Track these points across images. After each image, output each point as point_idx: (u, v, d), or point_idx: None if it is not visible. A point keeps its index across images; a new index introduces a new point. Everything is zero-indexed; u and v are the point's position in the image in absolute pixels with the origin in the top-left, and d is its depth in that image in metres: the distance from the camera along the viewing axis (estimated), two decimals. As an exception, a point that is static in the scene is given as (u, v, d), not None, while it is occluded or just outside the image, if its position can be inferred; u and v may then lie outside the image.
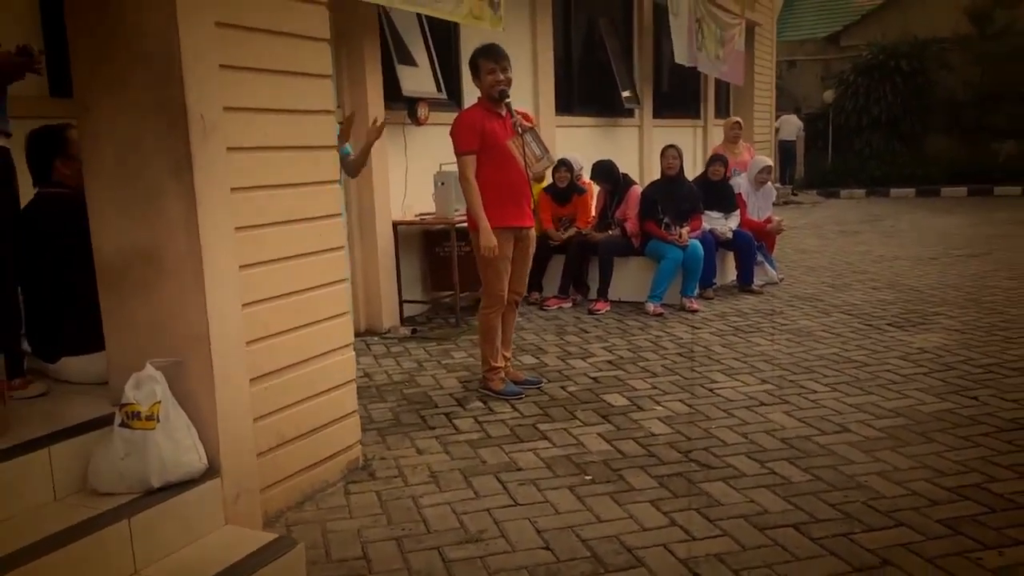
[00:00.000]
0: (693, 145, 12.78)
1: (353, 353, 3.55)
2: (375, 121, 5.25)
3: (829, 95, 19.24)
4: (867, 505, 3.06)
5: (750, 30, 13.86)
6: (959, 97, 18.09)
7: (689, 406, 4.27)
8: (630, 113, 10.66)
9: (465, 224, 6.31)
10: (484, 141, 4.33)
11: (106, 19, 2.63)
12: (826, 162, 19.12)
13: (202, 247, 2.63)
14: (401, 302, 6.39)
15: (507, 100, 4.33)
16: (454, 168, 6.39)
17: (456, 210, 6.34)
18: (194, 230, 2.62)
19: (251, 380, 2.89)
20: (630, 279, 6.83)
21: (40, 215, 3.14)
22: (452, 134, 4.40)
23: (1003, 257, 8.70)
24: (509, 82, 4.33)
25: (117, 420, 2.59)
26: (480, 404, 4.44)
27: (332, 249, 3.33)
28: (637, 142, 10.86)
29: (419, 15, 6.59)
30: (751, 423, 3.98)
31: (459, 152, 4.38)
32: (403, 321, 6.40)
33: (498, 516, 3.10)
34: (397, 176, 6.43)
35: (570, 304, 6.88)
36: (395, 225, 6.31)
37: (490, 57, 4.32)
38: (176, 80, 2.54)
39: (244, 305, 2.83)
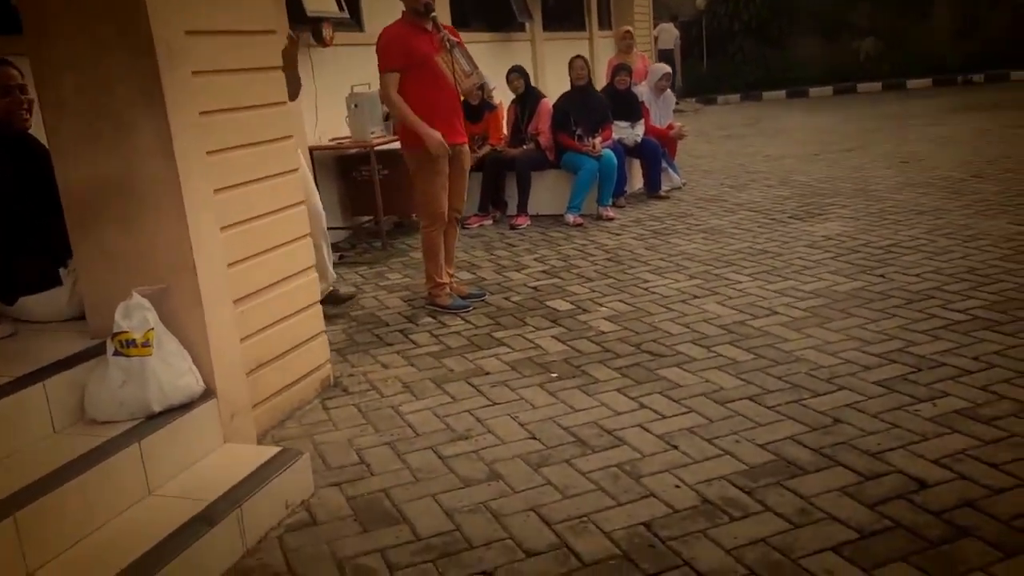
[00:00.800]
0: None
1: (316, 275, 3.59)
2: (290, 36, 4.76)
3: (701, 2, 19.66)
4: (809, 375, 3.39)
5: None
6: (821, -1, 18.86)
7: (629, 305, 4.52)
8: (521, 28, 10.67)
9: (383, 147, 6.37)
10: (411, 58, 4.32)
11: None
12: (702, 69, 19.66)
13: (179, 173, 2.61)
14: (324, 228, 6.35)
15: (433, 15, 4.32)
16: (366, 90, 6.39)
17: (372, 132, 6.31)
18: (170, 156, 2.59)
19: (234, 302, 2.91)
20: (547, 192, 7.00)
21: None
22: (377, 51, 4.37)
23: (878, 150, 9.33)
24: None
25: (110, 350, 2.59)
26: (431, 319, 4.56)
27: (290, 171, 3.33)
28: (530, 56, 10.90)
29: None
30: (689, 315, 4.27)
31: (383, 69, 4.36)
32: (327, 247, 6.37)
33: (480, 415, 3.28)
34: (307, 101, 6.30)
35: (490, 221, 7.01)
36: (310, 151, 6.22)
37: None
38: (140, 6, 2.48)
39: (221, 229, 2.84)
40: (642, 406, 3.24)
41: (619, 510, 2.52)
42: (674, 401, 3.25)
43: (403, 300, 4.98)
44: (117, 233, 2.72)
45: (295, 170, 3.39)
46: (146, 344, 2.57)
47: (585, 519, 2.48)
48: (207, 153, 2.75)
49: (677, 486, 2.63)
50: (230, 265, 2.89)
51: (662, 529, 2.40)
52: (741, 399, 3.22)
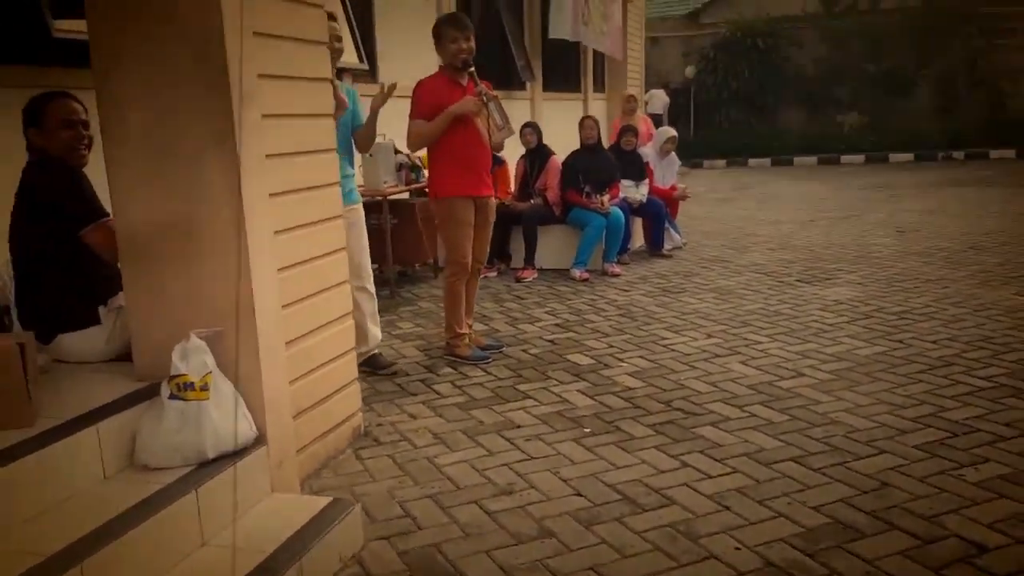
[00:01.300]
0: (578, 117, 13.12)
1: (352, 322, 3.56)
2: (383, 87, 4.43)
3: (691, 71, 20.19)
4: (847, 438, 3.39)
5: (623, 6, 14.31)
6: (808, 72, 19.44)
7: (651, 361, 4.52)
8: (523, 86, 10.84)
9: (395, 196, 6.39)
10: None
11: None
12: (689, 134, 20.06)
13: (245, 214, 2.59)
14: (334, 276, 6.32)
15: (471, 69, 4.38)
16: (381, 140, 6.42)
17: (385, 182, 6.33)
18: (237, 197, 2.57)
19: (286, 344, 2.88)
20: (553, 247, 7.04)
21: (30, 185, 2.97)
22: (412, 99, 4.43)
23: (871, 218, 9.52)
24: (472, 51, 4.37)
25: (166, 392, 2.53)
26: (451, 369, 4.52)
27: (334, 217, 3.32)
28: (530, 114, 11.04)
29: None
30: (715, 373, 4.28)
31: (413, 116, 4.42)
32: (337, 295, 6.33)
33: (519, 469, 3.23)
34: (323, 148, 6.32)
35: (495, 273, 7.02)
36: (325, 198, 6.22)
37: (455, 25, 4.36)
38: (218, 46, 2.48)
39: (278, 271, 2.81)
40: (684, 464, 3.21)
41: (681, 571, 2.48)
42: (716, 461, 3.23)
43: (419, 350, 4.94)
44: (174, 273, 2.68)
45: (339, 216, 3.38)
46: (204, 388, 2.52)
47: (649, 580, 2.43)
48: (270, 195, 2.74)
49: (737, 548, 2.59)
50: (284, 307, 2.85)
51: (730, 591, 2.36)
52: (785, 460, 3.20)
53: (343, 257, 3.41)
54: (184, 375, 2.51)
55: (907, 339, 4.69)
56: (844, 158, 17.90)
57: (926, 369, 4.17)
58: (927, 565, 2.44)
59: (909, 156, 17.46)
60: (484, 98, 4.35)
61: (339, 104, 4.03)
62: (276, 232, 2.81)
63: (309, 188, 3.08)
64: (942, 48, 17.98)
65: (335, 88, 4.05)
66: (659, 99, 18.30)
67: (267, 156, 2.72)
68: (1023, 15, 17.95)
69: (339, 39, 4.13)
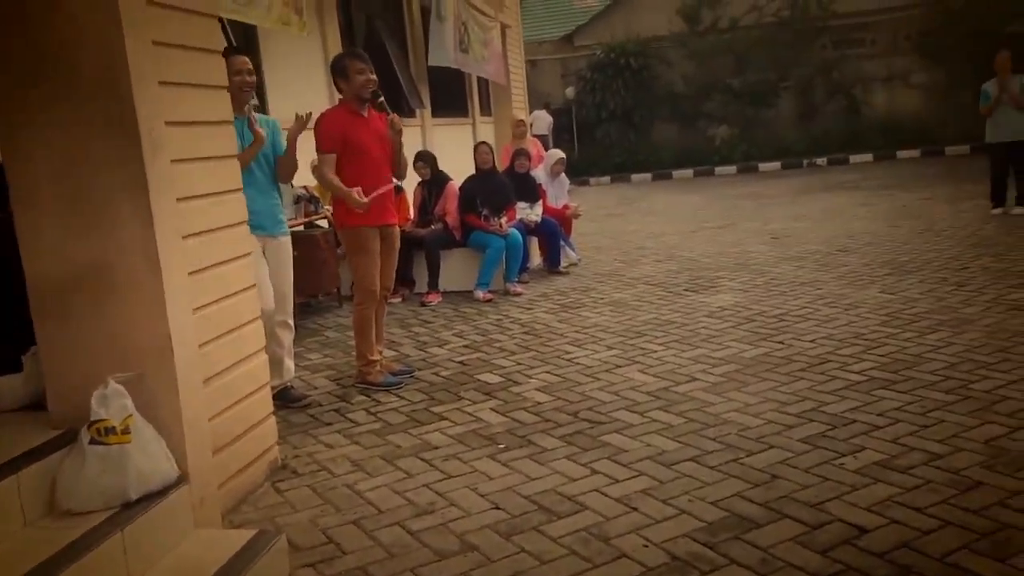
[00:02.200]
0: (470, 142, 13.33)
1: (266, 356, 3.61)
2: (297, 117, 4.49)
3: (570, 91, 20.80)
4: (739, 436, 3.67)
5: (502, 32, 14.66)
6: (679, 89, 20.34)
7: (557, 375, 4.73)
8: (412, 114, 10.97)
9: (294, 229, 6.40)
10: (347, 145, 4.48)
11: (34, 37, 2.55)
12: (573, 153, 20.62)
13: (160, 258, 2.64)
14: (234, 310, 6.28)
15: (380, 99, 4.54)
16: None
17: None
18: (151, 242, 2.62)
19: (204, 382, 2.92)
20: (456, 270, 7.20)
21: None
22: (315, 133, 4.52)
23: (746, 227, 10.10)
24: (377, 83, 4.53)
25: (86, 438, 2.54)
26: (364, 397, 4.60)
27: (245, 255, 3.38)
28: (421, 141, 11.19)
29: (223, 24, 6.47)
30: (616, 383, 4.52)
31: (320, 151, 4.52)
32: (238, 329, 6.29)
33: (439, 489, 3.36)
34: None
35: (399, 299, 7.11)
36: (221, 232, 6.19)
37: (359, 58, 4.50)
38: (125, 96, 2.54)
39: (194, 311, 2.86)
40: (594, 471, 3.41)
41: (596, 571, 2.66)
42: (623, 465, 3.45)
43: (330, 380, 5.00)
44: (88, 320, 2.70)
45: (249, 253, 3.44)
46: (126, 431, 2.55)
47: (570, 581, 2.61)
48: (183, 238, 2.79)
49: (645, 545, 2.80)
50: (201, 346, 2.90)
51: (644, 585, 2.56)
52: (684, 460, 3.45)
53: (254, 294, 3.47)
54: (105, 420, 2.53)
55: (787, 340, 5.07)
56: (718, 169, 18.82)
57: (806, 367, 4.53)
58: (814, 549, 2.70)
59: (777, 165, 18.51)
60: (396, 128, 4.54)
61: (256, 139, 4.11)
62: (190, 273, 2.86)
63: (220, 228, 3.14)
64: (798, 60, 19.16)
65: (252, 122, 4.13)
66: (543, 120, 18.76)
67: (178, 200, 2.77)
68: (870, 26, 19.37)
69: (251, 72, 4.20)
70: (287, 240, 4.47)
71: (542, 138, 18.39)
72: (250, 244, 3.42)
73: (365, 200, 4.39)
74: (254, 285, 3.45)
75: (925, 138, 18.01)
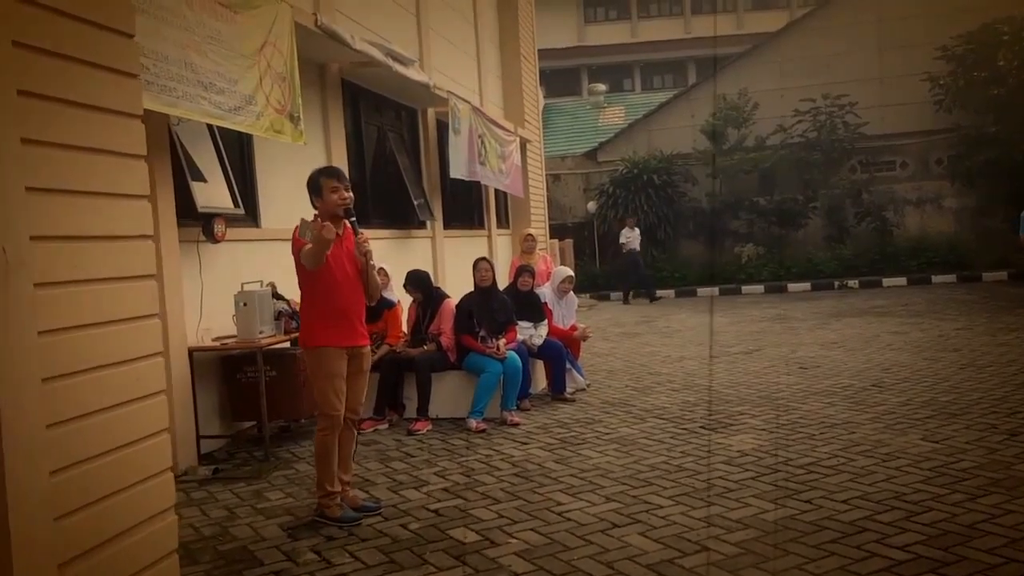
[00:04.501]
0: (488, 254, 12.97)
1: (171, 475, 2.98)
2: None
3: (592, 206, 20.56)
4: (756, 633, 2.96)
5: (522, 147, 14.50)
6: (704, 206, 20.02)
7: (543, 535, 4.04)
8: (422, 225, 10.62)
9: (273, 346, 5.90)
10: None
11: None
12: (595, 267, 20.23)
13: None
14: (199, 438, 5.70)
15: (352, 218, 4.32)
16: (257, 288, 6.01)
17: (261, 332, 5.85)
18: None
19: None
20: (448, 394, 6.60)
21: None
22: (293, 241, 4.32)
23: (773, 353, 9.42)
24: (352, 199, 4.32)
25: None
26: (314, 556, 3.94)
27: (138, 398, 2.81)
28: (431, 253, 10.80)
29: (211, 129, 6.17)
30: (611, 549, 3.82)
31: (294, 253, 4.32)
32: (201, 460, 5.69)
33: None
34: (191, 298, 5.82)
35: (386, 425, 6.51)
36: (190, 352, 5.68)
37: (333, 176, 4.34)
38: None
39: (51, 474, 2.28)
40: None
41: None
42: (608, 674, 2.74)
43: (283, 528, 4.34)
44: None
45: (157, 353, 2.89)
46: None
47: None
48: (42, 381, 2.24)
49: None
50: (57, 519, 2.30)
51: None
52: (685, 671, 2.74)
53: (159, 402, 2.89)
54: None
55: (815, 498, 4.36)
56: (744, 288, 18.24)
57: (838, 538, 3.81)
58: None
59: (806, 285, 17.92)
60: (363, 248, 4.29)
61: None
62: (49, 425, 2.29)
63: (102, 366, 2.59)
64: (827, 181, 18.83)
65: None
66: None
67: (40, 333, 2.23)
68: (900, 148, 19.09)
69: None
70: None
71: (631, 252, 17.54)
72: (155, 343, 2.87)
73: (327, 223, 4.08)
74: (159, 392, 2.87)
75: (960, 263, 17.43)
